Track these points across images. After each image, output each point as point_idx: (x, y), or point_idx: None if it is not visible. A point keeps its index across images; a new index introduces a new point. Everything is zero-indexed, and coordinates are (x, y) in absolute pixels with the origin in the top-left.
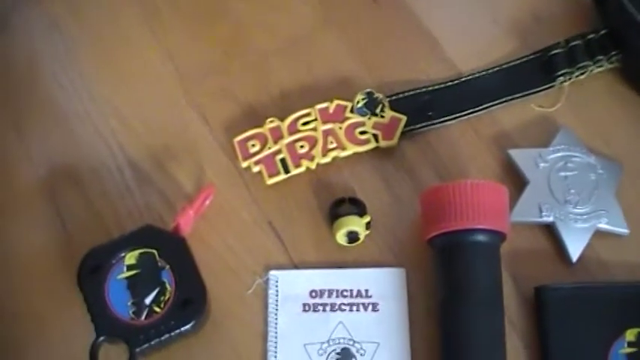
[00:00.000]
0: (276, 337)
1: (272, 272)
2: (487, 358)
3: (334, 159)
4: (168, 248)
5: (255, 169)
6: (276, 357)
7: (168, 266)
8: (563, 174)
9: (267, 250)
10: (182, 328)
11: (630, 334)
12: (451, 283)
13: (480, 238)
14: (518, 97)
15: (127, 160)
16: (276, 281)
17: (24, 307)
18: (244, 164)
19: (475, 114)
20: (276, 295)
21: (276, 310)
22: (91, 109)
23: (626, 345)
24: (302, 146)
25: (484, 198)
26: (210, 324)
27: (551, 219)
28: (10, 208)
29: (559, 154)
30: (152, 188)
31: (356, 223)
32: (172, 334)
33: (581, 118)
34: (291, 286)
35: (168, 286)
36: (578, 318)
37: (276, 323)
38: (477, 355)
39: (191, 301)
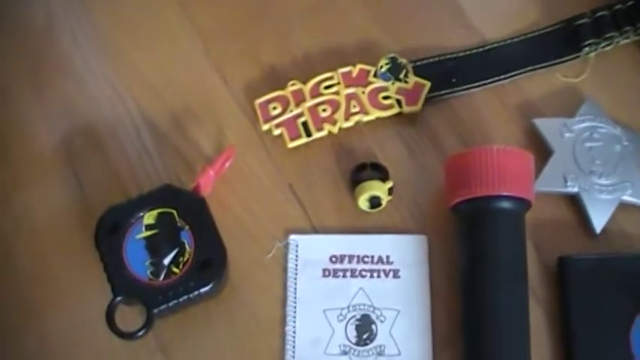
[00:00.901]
0: (295, 302)
1: (292, 236)
2: (511, 327)
3: (357, 123)
4: (188, 208)
5: (276, 132)
6: (295, 322)
7: (187, 227)
8: (588, 145)
9: (287, 214)
10: (201, 290)
11: None
12: (475, 251)
13: (505, 205)
14: (543, 67)
15: (144, 121)
16: (296, 246)
17: (40, 269)
18: (265, 127)
19: (499, 82)
20: (296, 260)
21: (296, 274)
22: (108, 67)
23: None
24: (324, 110)
25: (510, 164)
26: (229, 288)
27: (575, 189)
28: (25, 168)
29: (584, 125)
30: (171, 149)
31: (378, 188)
32: (191, 295)
33: (606, 89)
34: (311, 250)
35: (187, 246)
36: (601, 289)
37: (295, 288)
38: (501, 324)
39: (210, 263)
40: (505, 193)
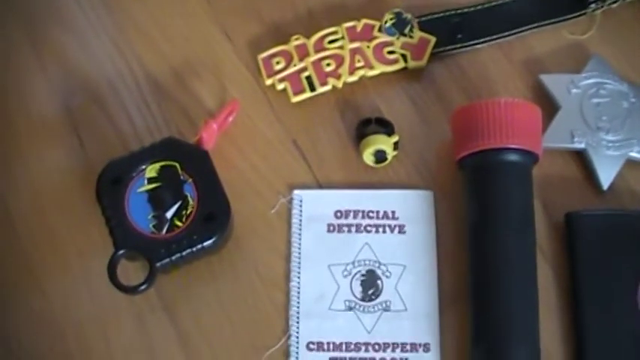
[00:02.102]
0: (299, 258)
1: (296, 192)
2: (519, 279)
3: (361, 78)
4: (191, 161)
5: (280, 86)
6: (299, 277)
7: (190, 179)
8: (595, 100)
9: (291, 169)
10: (204, 243)
11: None
12: (482, 204)
13: (513, 157)
14: (549, 24)
15: (146, 76)
16: (300, 201)
17: (40, 227)
18: (268, 81)
19: (505, 39)
20: (300, 215)
21: (300, 230)
22: (109, 22)
23: None
24: (328, 64)
25: (518, 117)
26: (233, 243)
27: (582, 145)
28: (25, 126)
29: (591, 81)
30: (172, 104)
31: (384, 142)
32: (194, 249)
33: (613, 46)
34: (315, 206)
35: (190, 199)
36: (609, 245)
37: (299, 243)
38: (510, 276)
39: (214, 216)
40: (513, 146)
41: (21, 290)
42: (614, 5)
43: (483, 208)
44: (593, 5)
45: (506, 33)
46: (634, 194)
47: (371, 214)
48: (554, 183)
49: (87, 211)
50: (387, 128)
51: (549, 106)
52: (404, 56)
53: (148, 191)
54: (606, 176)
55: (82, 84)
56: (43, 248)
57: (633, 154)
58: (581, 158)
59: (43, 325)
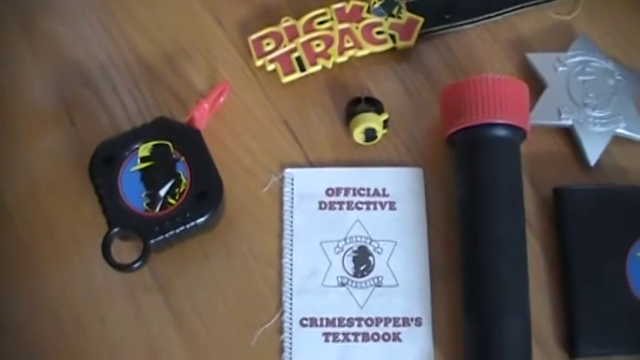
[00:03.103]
0: (291, 235)
1: (287, 170)
2: (509, 251)
3: (350, 58)
4: (183, 140)
5: (270, 67)
6: (292, 255)
7: (183, 158)
8: (581, 78)
9: (282, 148)
10: (198, 221)
11: None
12: (472, 180)
13: (501, 133)
14: (535, 4)
15: (136, 59)
16: (292, 179)
17: (34, 210)
18: (259, 62)
19: (492, 19)
20: (292, 193)
21: (292, 208)
22: (100, 7)
23: None
24: (318, 45)
25: (504, 92)
26: (225, 222)
27: (569, 122)
28: (17, 110)
29: (577, 59)
30: (163, 87)
31: (374, 120)
32: (187, 226)
33: (599, 25)
34: (307, 184)
35: (183, 178)
36: (597, 220)
37: (291, 221)
38: (499, 248)
39: (207, 194)
40: (500, 121)
41: (16, 274)
42: None
43: (473, 183)
44: None
45: (493, 13)
46: (621, 170)
47: (362, 192)
48: (542, 160)
49: (80, 193)
50: (376, 107)
51: (536, 85)
52: (392, 37)
53: (140, 170)
54: (593, 152)
55: (74, 69)
56: (37, 232)
57: (620, 131)
58: (568, 135)
59: (39, 307)
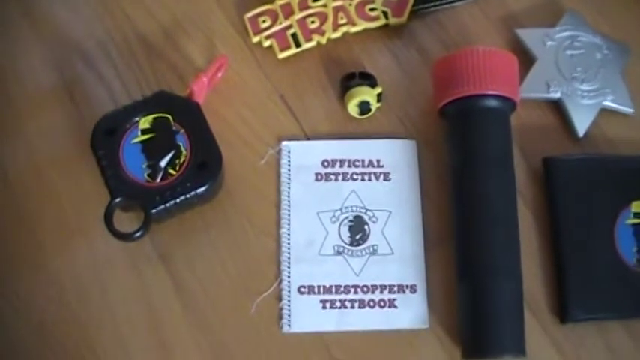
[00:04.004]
0: (289, 206)
1: (284, 143)
2: (500, 216)
3: (344, 34)
4: (183, 113)
5: (266, 43)
6: (289, 225)
7: (183, 130)
8: (569, 52)
9: (279, 122)
10: (198, 191)
11: (636, 206)
12: (463, 149)
13: (491, 103)
14: None
15: (136, 36)
16: (289, 152)
17: (35, 183)
18: (255, 39)
19: None
20: (289, 165)
21: (289, 179)
22: None
23: (632, 216)
24: (313, 22)
25: (494, 64)
26: (224, 193)
27: (558, 95)
28: (17, 87)
29: (566, 34)
30: (162, 62)
31: (368, 93)
32: (188, 196)
33: (587, 1)
34: (303, 156)
35: (183, 149)
36: (586, 188)
37: (288, 192)
38: (491, 214)
39: (206, 164)
40: (490, 92)
41: (20, 246)
42: None
43: (464, 152)
44: None
45: None
46: (608, 141)
47: (357, 163)
48: (532, 132)
49: (81, 167)
50: (370, 81)
51: (526, 59)
52: (385, 13)
53: (141, 142)
54: (581, 124)
55: (74, 45)
56: (39, 205)
57: (607, 103)
58: (557, 107)
59: (42, 278)
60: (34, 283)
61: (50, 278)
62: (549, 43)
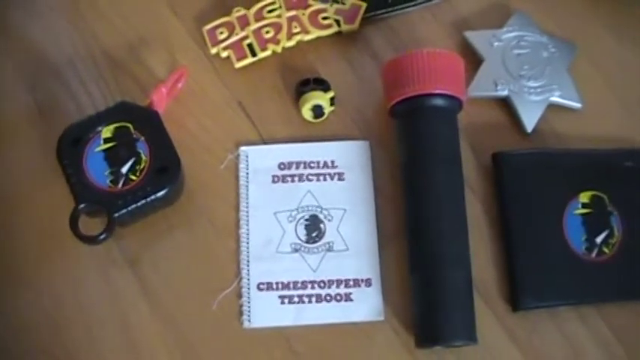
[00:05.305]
0: (247, 207)
1: (242, 148)
2: (448, 209)
3: (299, 43)
4: (143, 121)
5: (224, 54)
6: (248, 225)
7: (143, 137)
8: (516, 52)
9: (237, 128)
10: (158, 194)
11: (584, 197)
12: (412, 145)
13: (437, 102)
14: None
15: (101, 51)
16: (247, 156)
17: (10, 192)
18: (213, 50)
19: (433, 1)
20: (247, 169)
21: (247, 182)
22: (66, 3)
23: (580, 206)
24: (268, 32)
25: (440, 65)
26: (187, 197)
27: (505, 92)
28: None
29: (512, 34)
30: (126, 75)
31: (320, 98)
32: (148, 199)
33: (535, 2)
34: (260, 160)
35: (143, 155)
36: (535, 181)
37: (247, 194)
38: (439, 207)
39: (166, 168)
40: (436, 91)
41: None
42: None
43: (413, 148)
44: None
45: None
46: (557, 135)
47: (312, 165)
48: (482, 129)
49: (51, 175)
50: (323, 86)
51: (475, 60)
52: (337, 21)
53: (104, 150)
54: (530, 120)
55: (42, 60)
56: (14, 214)
57: (554, 99)
58: (506, 105)
59: (17, 281)
60: (9, 285)
61: (26, 281)
62: (496, 43)
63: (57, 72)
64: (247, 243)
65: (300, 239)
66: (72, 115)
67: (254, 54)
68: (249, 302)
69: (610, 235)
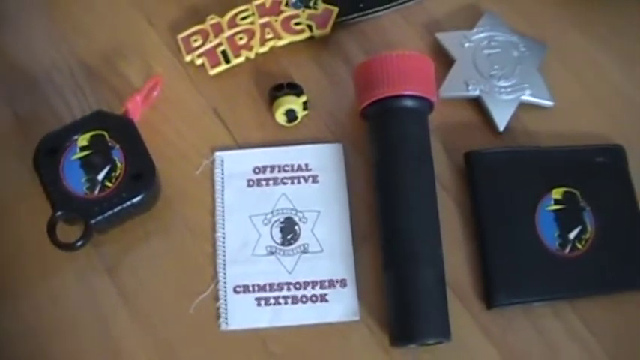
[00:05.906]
0: (223, 211)
1: (217, 153)
2: (420, 208)
3: (272, 49)
4: (118, 129)
5: (198, 61)
6: (224, 229)
7: (118, 145)
8: (487, 52)
9: (213, 134)
10: (133, 200)
11: (556, 193)
12: (383, 145)
13: (407, 103)
14: None
15: (78, 62)
16: (222, 161)
17: None
18: (188, 58)
19: (404, 5)
20: (222, 174)
21: (223, 187)
22: (43, 16)
23: (552, 202)
24: (241, 38)
25: (409, 67)
26: (163, 203)
27: (477, 92)
28: None
29: (483, 35)
30: (103, 84)
31: (293, 102)
32: (124, 205)
33: (505, 3)
34: (235, 164)
35: (118, 163)
36: (507, 179)
37: (222, 199)
38: (411, 206)
39: (141, 176)
40: (406, 92)
41: None
42: None
43: (384, 149)
44: None
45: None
46: (529, 133)
47: (286, 168)
48: (454, 129)
49: (30, 184)
50: (296, 90)
51: (446, 61)
52: (309, 26)
53: (80, 158)
54: (502, 119)
55: (20, 72)
56: None
57: (525, 97)
58: (478, 105)
59: None
60: None
61: (5, 292)
62: (467, 44)
63: (34, 83)
64: (223, 247)
65: (275, 242)
66: (51, 125)
67: (228, 61)
68: (226, 305)
69: (583, 231)
